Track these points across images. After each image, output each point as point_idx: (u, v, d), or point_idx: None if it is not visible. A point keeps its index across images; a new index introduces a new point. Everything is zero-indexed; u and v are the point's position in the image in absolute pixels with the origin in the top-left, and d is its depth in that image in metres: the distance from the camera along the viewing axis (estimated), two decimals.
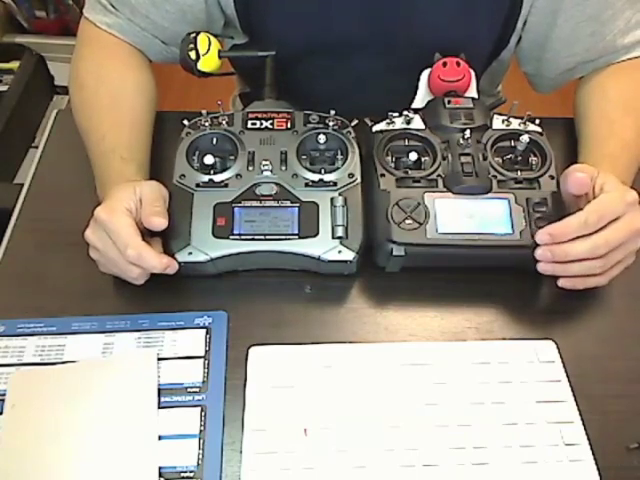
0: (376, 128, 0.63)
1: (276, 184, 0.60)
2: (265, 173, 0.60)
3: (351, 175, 0.60)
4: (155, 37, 0.71)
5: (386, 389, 0.53)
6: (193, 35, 0.66)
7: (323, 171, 0.61)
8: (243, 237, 0.57)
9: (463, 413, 0.52)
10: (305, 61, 0.75)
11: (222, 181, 0.60)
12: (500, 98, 0.73)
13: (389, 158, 0.61)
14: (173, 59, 0.71)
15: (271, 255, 0.57)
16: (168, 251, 0.57)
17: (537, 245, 0.55)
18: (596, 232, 0.53)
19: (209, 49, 0.66)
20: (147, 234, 0.56)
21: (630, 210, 0.53)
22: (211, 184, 0.60)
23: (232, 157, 0.61)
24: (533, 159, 0.62)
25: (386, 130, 0.62)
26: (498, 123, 0.63)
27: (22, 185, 0.69)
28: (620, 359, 0.56)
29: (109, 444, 0.50)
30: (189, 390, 0.53)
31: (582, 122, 0.69)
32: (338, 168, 0.61)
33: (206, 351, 0.56)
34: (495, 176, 0.59)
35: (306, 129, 0.63)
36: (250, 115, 0.64)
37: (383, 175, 0.59)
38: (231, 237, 0.57)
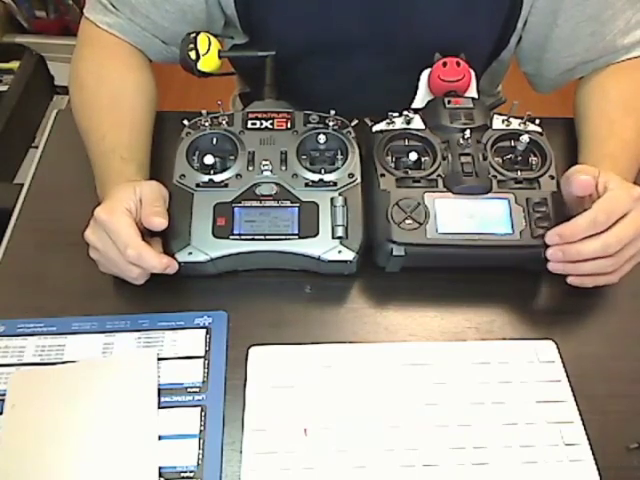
0: (376, 128, 0.63)
1: (276, 184, 0.60)
2: (265, 173, 0.60)
3: (351, 175, 0.60)
4: (155, 37, 0.71)
5: (386, 389, 0.53)
6: (193, 35, 0.66)
7: (323, 171, 0.61)
8: (243, 237, 0.57)
9: (463, 413, 0.52)
10: (305, 61, 0.75)
11: (222, 181, 0.60)
12: (500, 98, 0.73)
13: (389, 158, 0.61)
14: (173, 59, 0.71)
15: (271, 255, 0.57)
16: (168, 251, 0.57)
17: (537, 245, 0.55)
18: (605, 230, 0.53)
19: (209, 49, 0.66)
20: (147, 234, 0.56)
21: (637, 206, 0.53)
22: (211, 184, 0.60)
23: (232, 157, 0.61)
24: (533, 159, 0.62)
25: (386, 130, 0.62)
26: (498, 123, 0.63)
27: (22, 185, 0.69)
28: (620, 359, 0.56)
29: (109, 444, 0.50)
30: (189, 390, 0.53)
31: (582, 122, 0.69)
32: (338, 168, 0.61)
33: (206, 351, 0.56)
34: (495, 176, 0.59)
35: (306, 129, 0.63)
36: (250, 115, 0.64)
37: (383, 175, 0.59)
38: (231, 237, 0.57)
